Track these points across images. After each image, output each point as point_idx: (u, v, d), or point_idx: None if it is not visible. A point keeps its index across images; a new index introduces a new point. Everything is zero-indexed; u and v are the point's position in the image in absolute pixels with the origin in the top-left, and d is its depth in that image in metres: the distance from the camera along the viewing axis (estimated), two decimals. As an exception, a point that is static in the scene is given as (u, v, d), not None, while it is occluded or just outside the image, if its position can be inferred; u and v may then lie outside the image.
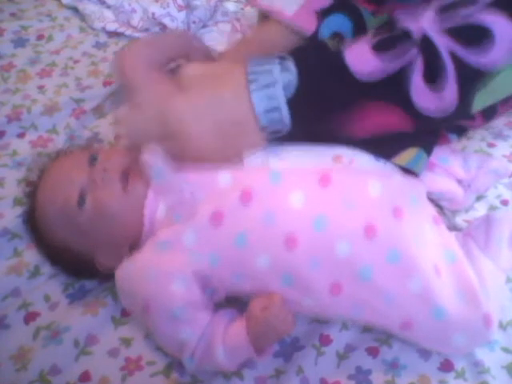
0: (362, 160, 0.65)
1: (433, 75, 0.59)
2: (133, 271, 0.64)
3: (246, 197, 0.62)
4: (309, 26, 0.72)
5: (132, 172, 0.67)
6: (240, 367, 0.63)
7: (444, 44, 0.58)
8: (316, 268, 0.61)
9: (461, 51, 0.58)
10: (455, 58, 0.58)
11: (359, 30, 0.75)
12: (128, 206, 0.66)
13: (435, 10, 0.59)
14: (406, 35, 0.60)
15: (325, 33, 0.73)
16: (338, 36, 0.73)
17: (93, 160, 0.69)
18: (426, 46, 0.59)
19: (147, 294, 0.62)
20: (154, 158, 0.65)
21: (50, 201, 0.68)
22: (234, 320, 0.63)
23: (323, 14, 0.73)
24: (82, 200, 0.66)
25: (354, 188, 0.63)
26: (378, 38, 0.61)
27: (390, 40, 0.61)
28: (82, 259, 0.68)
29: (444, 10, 0.59)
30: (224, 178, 0.64)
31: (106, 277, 0.69)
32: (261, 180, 0.63)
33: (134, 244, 0.67)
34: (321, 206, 0.61)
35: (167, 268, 0.62)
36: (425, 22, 0.59)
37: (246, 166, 0.65)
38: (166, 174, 0.65)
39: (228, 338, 0.61)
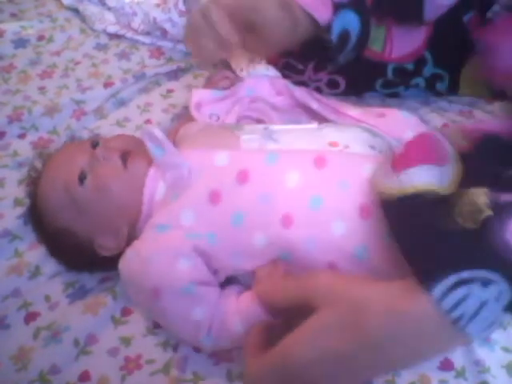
0: (356, 147, 0.66)
1: None
2: (136, 260, 0.64)
3: (242, 177, 0.63)
4: (323, 15, 0.71)
5: (133, 152, 0.69)
6: None
7: None
8: (312, 247, 0.61)
9: None
10: None
11: (364, 33, 0.75)
12: (128, 182, 0.67)
13: None
14: None
15: (337, 27, 0.72)
16: (345, 33, 0.73)
17: (95, 145, 0.71)
18: None
19: (154, 279, 0.62)
20: (153, 133, 0.66)
21: (53, 179, 0.70)
22: (243, 292, 0.63)
23: (338, 6, 0.72)
24: (82, 176, 0.67)
25: (350, 169, 0.63)
26: None
27: None
28: (82, 242, 0.69)
29: None
30: (221, 157, 0.65)
31: (106, 268, 0.70)
32: (257, 160, 0.64)
33: (133, 225, 0.68)
34: (316, 186, 0.62)
35: (169, 249, 0.63)
36: None
37: (243, 148, 0.66)
38: (165, 147, 0.66)
39: (241, 307, 0.61)
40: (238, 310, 0.61)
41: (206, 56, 0.74)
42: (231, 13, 0.71)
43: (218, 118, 0.77)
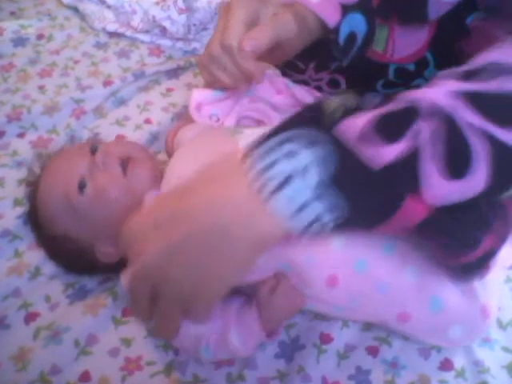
0: None
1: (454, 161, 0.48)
2: None
3: None
4: (331, 18, 0.71)
5: (133, 158, 0.69)
6: (254, 351, 0.64)
7: (472, 124, 0.47)
8: (313, 259, 0.61)
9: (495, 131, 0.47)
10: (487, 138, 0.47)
11: (370, 35, 0.75)
12: (128, 189, 0.67)
13: (457, 78, 0.50)
14: (413, 112, 0.49)
15: (345, 30, 0.72)
16: (352, 36, 0.73)
17: (94, 150, 0.70)
18: (446, 127, 0.47)
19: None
20: None
21: (52, 186, 0.70)
22: (244, 306, 0.63)
23: (346, 9, 0.71)
24: (82, 185, 0.67)
25: None
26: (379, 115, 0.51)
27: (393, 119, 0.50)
28: (82, 248, 0.69)
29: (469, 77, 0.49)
30: None
31: (106, 271, 0.70)
32: None
33: None
34: None
35: None
36: (442, 97, 0.48)
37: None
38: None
39: (240, 324, 0.61)
40: (236, 327, 0.61)
41: (221, 85, 0.74)
42: (256, 53, 0.70)
43: (218, 119, 0.77)
